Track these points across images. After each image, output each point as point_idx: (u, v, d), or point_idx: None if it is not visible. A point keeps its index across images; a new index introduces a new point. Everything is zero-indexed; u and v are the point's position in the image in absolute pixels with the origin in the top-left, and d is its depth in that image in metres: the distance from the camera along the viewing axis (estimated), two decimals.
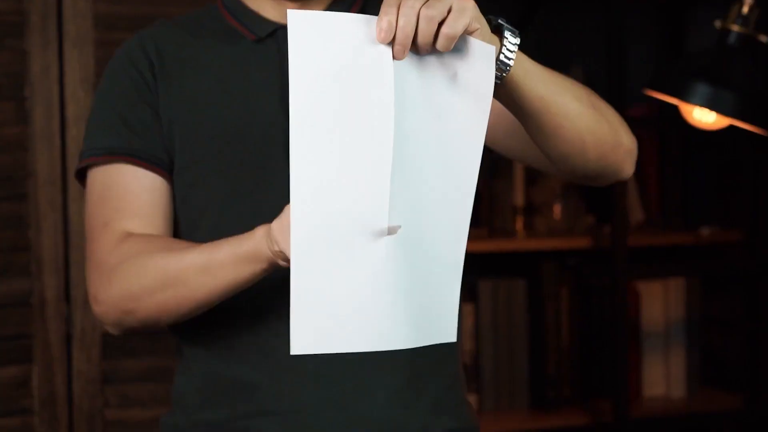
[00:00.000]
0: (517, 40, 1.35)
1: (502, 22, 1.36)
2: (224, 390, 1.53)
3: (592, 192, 3.03)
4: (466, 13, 1.26)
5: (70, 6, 2.40)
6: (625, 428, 2.86)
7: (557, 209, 3.00)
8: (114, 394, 2.43)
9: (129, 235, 1.53)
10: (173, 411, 1.61)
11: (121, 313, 1.52)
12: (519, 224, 2.98)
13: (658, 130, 3.07)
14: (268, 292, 1.51)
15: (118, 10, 2.42)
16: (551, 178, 3.01)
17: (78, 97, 2.40)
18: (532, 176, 3.02)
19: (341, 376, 1.51)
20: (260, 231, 1.40)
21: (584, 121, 1.46)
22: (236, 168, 1.53)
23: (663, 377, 3.07)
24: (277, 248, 1.37)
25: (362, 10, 1.61)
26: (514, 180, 2.98)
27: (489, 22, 1.34)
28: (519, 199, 2.98)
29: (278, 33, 1.58)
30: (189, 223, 1.57)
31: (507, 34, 1.35)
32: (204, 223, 1.55)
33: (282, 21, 1.58)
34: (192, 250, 1.46)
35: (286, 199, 1.30)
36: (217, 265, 1.43)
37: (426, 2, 1.24)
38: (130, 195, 1.55)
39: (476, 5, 1.29)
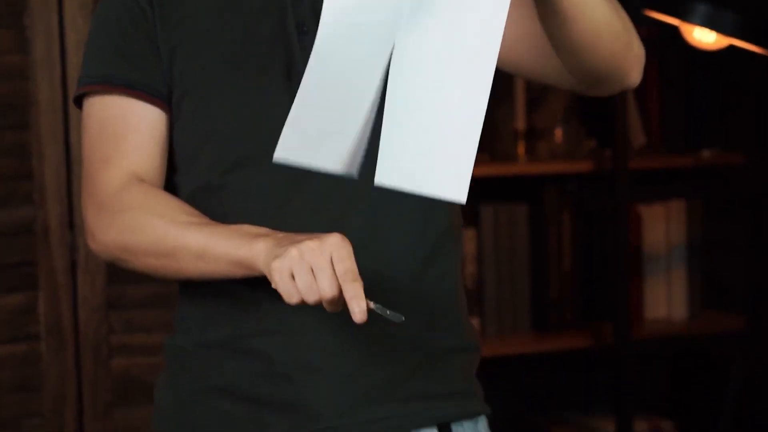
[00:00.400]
0: None
1: None
2: (226, 309, 1.55)
3: (593, 116, 3.04)
4: None
5: None
6: (627, 350, 2.90)
7: (559, 133, 3.01)
8: (119, 320, 2.46)
9: (134, 182, 1.53)
10: (175, 333, 1.62)
11: (114, 258, 1.54)
12: (520, 149, 2.99)
13: (658, 52, 3.07)
14: (274, 211, 1.52)
15: None
16: (553, 102, 3.02)
17: (77, 25, 2.42)
18: (534, 100, 3.03)
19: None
20: (260, 246, 1.40)
21: (602, 12, 1.43)
22: (236, 94, 1.53)
23: (665, 300, 3.10)
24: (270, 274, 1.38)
25: None
26: (515, 104, 2.99)
27: None
28: (520, 123, 2.99)
29: None
30: (188, 153, 1.57)
31: None
32: (205, 152, 1.55)
33: None
34: (193, 229, 1.46)
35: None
36: (212, 257, 1.44)
37: None
38: (130, 130, 1.54)
39: None
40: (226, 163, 1.53)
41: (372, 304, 1.34)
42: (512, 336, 2.95)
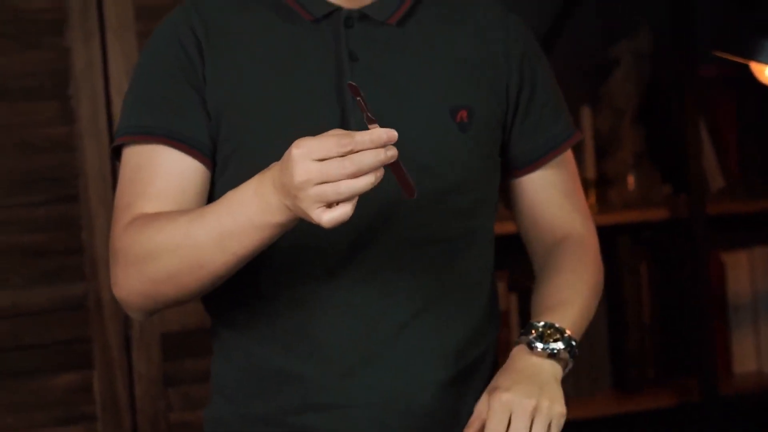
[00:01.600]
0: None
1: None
2: (269, 380, 1.54)
3: (667, 160, 2.99)
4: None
5: None
6: (716, 407, 2.83)
7: (631, 180, 2.97)
8: (177, 396, 2.45)
9: (136, 218, 1.51)
10: (216, 402, 1.60)
11: (141, 298, 1.52)
12: (592, 198, 2.95)
13: (734, 91, 3.02)
14: (308, 280, 1.52)
15: None
16: (623, 148, 2.98)
17: (123, 91, 2.39)
18: (603, 148, 2.99)
19: (388, 366, 1.53)
20: (272, 198, 1.39)
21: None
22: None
23: (754, 352, 3.03)
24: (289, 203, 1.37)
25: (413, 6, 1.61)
26: (584, 153, 2.95)
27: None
28: (590, 172, 2.95)
29: (334, 14, 1.57)
30: None
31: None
32: None
33: (338, 2, 1.57)
34: (199, 223, 1.45)
35: None
36: (233, 237, 1.42)
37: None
38: (158, 178, 1.53)
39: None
40: None
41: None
42: (591, 397, 2.90)
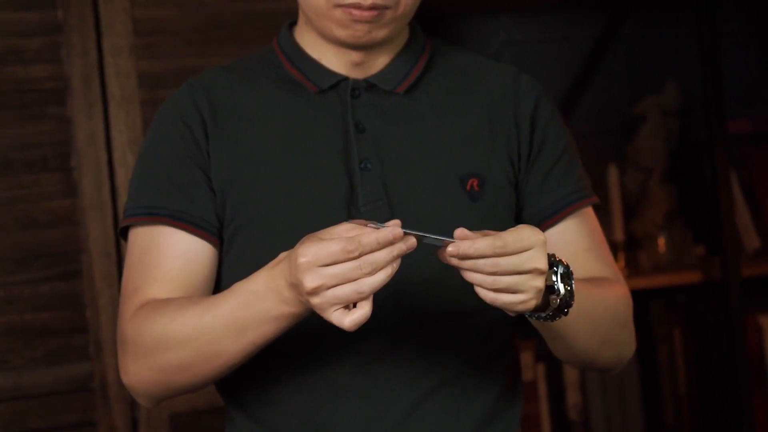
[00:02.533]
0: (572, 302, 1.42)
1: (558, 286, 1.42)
2: None
3: (699, 220, 2.98)
4: (518, 307, 1.37)
5: (112, 65, 2.41)
6: None
7: (661, 242, 2.97)
8: None
9: (145, 304, 1.52)
10: None
11: (152, 386, 1.53)
12: (621, 261, 2.95)
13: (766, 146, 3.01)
14: (315, 364, 1.52)
15: (164, 66, 2.42)
16: (653, 207, 2.97)
17: (127, 162, 2.41)
18: (631, 208, 2.98)
19: None
20: (287, 294, 1.39)
21: (585, 354, 1.57)
22: (293, 232, 1.49)
23: None
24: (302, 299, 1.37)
25: (430, 61, 1.62)
26: (610, 213, 2.94)
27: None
28: (618, 233, 2.95)
29: (341, 84, 1.58)
30: None
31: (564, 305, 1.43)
32: None
33: (344, 72, 1.58)
34: (213, 314, 1.45)
35: None
36: (249, 329, 1.43)
37: (516, 274, 1.34)
38: (165, 260, 1.54)
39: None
40: None
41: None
42: None
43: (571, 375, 2.86)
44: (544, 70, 3.01)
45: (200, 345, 1.46)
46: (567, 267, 1.41)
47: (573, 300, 1.41)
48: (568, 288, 1.41)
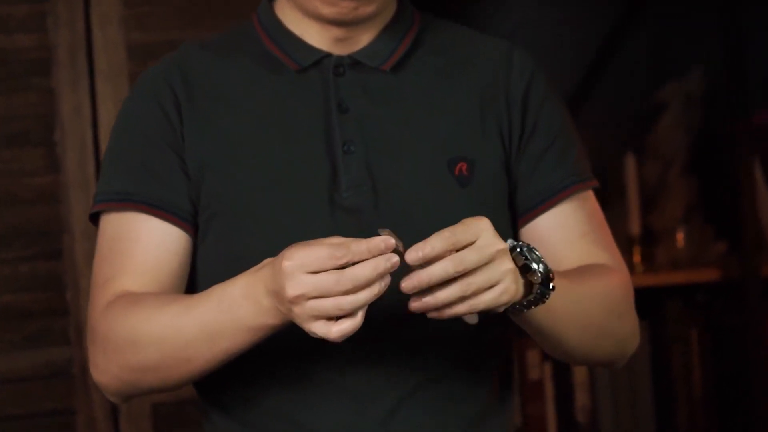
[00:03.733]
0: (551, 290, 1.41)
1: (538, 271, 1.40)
2: None
3: (720, 214, 2.97)
4: (502, 298, 1.36)
5: (100, 37, 2.42)
6: None
7: (680, 237, 2.96)
8: None
9: (117, 298, 1.51)
10: None
11: (121, 384, 1.52)
12: (636, 256, 2.93)
13: None
14: (295, 358, 1.50)
15: (154, 38, 2.43)
16: (672, 200, 2.96)
17: None
18: (649, 200, 2.97)
19: None
20: (266, 302, 1.38)
21: (579, 350, 1.54)
22: (272, 218, 1.52)
23: None
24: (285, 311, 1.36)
25: (418, 37, 1.60)
26: (627, 205, 2.93)
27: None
28: (635, 227, 2.93)
29: (323, 62, 1.56)
30: (213, 279, 1.52)
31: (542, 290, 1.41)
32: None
33: (327, 48, 1.56)
34: (186, 317, 1.45)
35: None
36: (222, 337, 1.43)
37: (477, 268, 1.34)
38: (138, 250, 1.53)
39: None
40: None
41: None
42: None
43: (579, 375, 2.86)
44: (561, 53, 2.99)
45: (171, 348, 1.45)
46: (527, 244, 1.40)
47: (552, 272, 1.40)
48: (541, 258, 1.39)
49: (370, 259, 1.31)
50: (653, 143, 2.99)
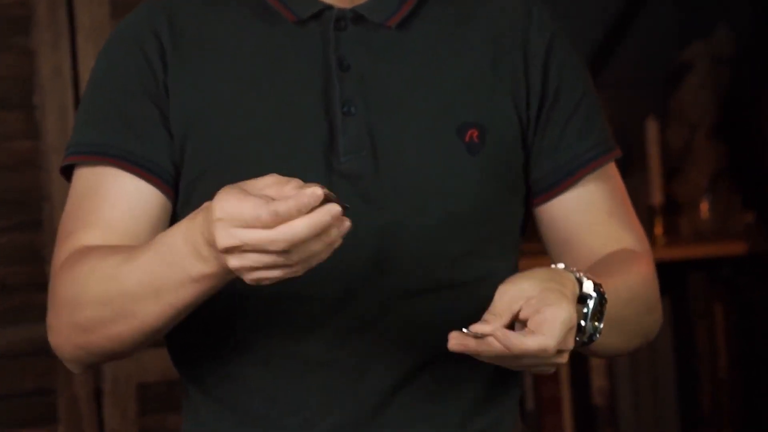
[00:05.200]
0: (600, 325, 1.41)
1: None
2: None
3: (748, 183, 2.98)
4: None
5: None
6: None
7: (705, 207, 2.98)
8: None
9: (73, 254, 1.48)
10: None
11: (74, 348, 1.49)
12: (658, 228, 2.94)
13: None
14: (286, 335, 1.48)
15: None
16: (696, 169, 2.97)
17: None
18: (673, 168, 2.99)
19: None
20: (205, 251, 1.34)
21: (611, 349, 1.53)
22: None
23: None
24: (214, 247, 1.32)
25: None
26: (649, 173, 2.93)
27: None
28: (657, 196, 2.94)
29: (324, 14, 1.53)
30: None
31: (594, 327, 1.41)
32: None
33: (329, 0, 1.53)
34: (131, 271, 1.42)
35: None
36: (168, 291, 1.39)
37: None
38: (106, 204, 1.50)
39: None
40: None
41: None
42: None
43: None
44: (582, 11, 2.98)
45: (115, 302, 1.42)
46: (600, 296, 1.39)
47: (600, 333, 1.40)
48: (597, 324, 1.39)
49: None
50: (677, 107, 3.00)
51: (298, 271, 1.30)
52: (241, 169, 1.46)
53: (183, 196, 1.51)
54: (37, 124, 2.39)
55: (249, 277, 1.31)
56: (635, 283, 1.51)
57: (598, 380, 2.87)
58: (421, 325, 1.49)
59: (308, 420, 1.49)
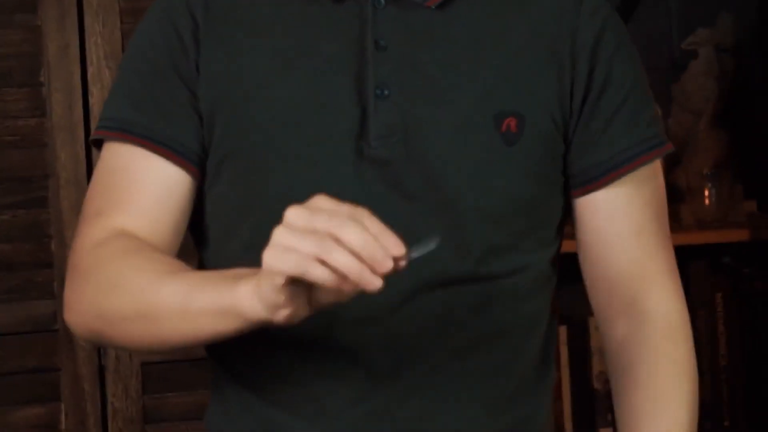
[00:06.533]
0: None
1: None
2: None
3: (751, 171, 2.97)
4: None
5: None
6: None
7: (707, 195, 2.95)
8: None
9: (115, 235, 1.48)
10: None
11: (89, 332, 1.50)
12: None
13: None
14: (311, 324, 1.43)
15: None
16: (698, 155, 2.96)
17: (103, 79, 2.43)
18: (674, 155, 2.91)
19: (401, 427, 1.49)
20: (243, 289, 1.32)
21: None
22: (291, 164, 1.48)
23: None
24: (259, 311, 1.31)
25: None
26: None
27: None
28: None
29: None
30: (223, 228, 1.54)
31: None
32: (244, 229, 1.50)
33: None
34: (172, 282, 1.40)
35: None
36: (195, 312, 1.37)
37: None
38: (136, 186, 1.51)
39: None
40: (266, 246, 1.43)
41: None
42: None
43: (596, 340, 2.85)
44: None
45: (143, 304, 1.41)
46: None
47: None
48: None
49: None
50: (680, 94, 3.00)
51: (319, 275, 1.22)
52: (270, 150, 1.47)
53: (210, 178, 1.52)
54: (43, 101, 2.42)
55: (275, 304, 1.26)
56: (690, 396, 1.54)
57: (598, 365, 2.85)
58: (450, 317, 1.47)
59: (334, 407, 1.49)
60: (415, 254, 1.25)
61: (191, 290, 1.37)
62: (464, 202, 1.46)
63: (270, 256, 1.24)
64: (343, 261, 1.20)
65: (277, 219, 1.38)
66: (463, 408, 1.50)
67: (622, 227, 1.52)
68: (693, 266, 2.90)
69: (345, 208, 1.23)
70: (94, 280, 1.46)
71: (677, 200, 2.96)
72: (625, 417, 1.52)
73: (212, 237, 1.55)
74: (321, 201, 1.25)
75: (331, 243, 1.21)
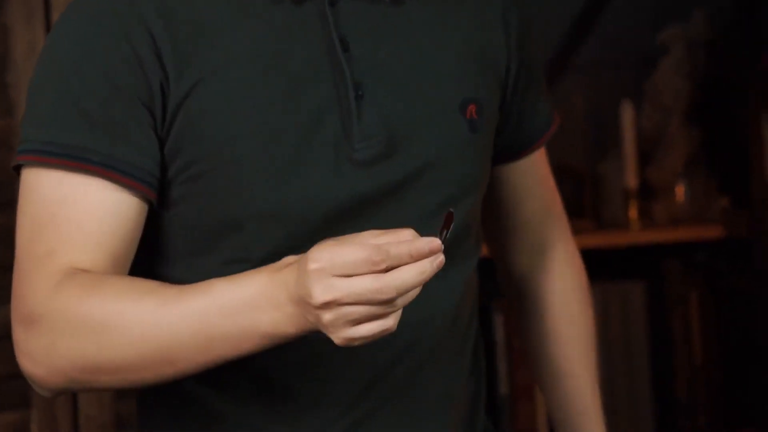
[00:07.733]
0: None
1: None
2: None
3: (724, 167, 3.00)
4: None
5: None
6: None
7: (680, 191, 2.99)
8: None
9: (69, 276, 1.42)
10: None
11: (67, 383, 1.45)
12: (633, 212, 2.96)
13: None
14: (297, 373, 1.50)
15: None
16: (672, 153, 2.99)
17: None
18: (647, 152, 3.00)
19: (400, 419, 1.54)
20: (290, 309, 1.33)
21: None
22: (270, 176, 1.47)
23: None
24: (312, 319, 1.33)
25: None
26: (624, 157, 2.95)
27: None
28: (632, 180, 2.95)
29: None
30: (196, 244, 1.51)
31: None
32: (225, 244, 1.49)
33: None
34: (182, 314, 1.38)
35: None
36: (222, 338, 1.37)
37: None
38: (90, 220, 1.44)
39: None
40: (252, 260, 1.45)
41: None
42: None
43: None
44: None
45: (154, 348, 1.38)
46: None
47: None
48: None
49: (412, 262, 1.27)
50: (652, 90, 3.02)
51: (393, 327, 1.28)
52: (242, 167, 1.45)
53: (176, 196, 1.48)
54: (11, 102, 2.39)
55: (342, 335, 1.29)
56: (594, 356, 1.87)
57: None
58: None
59: (328, 417, 1.51)
60: (446, 233, 1.31)
61: (211, 319, 1.36)
62: (439, 194, 1.52)
63: (345, 339, 1.30)
64: (411, 297, 1.29)
65: (265, 232, 1.45)
66: (449, 398, 1.58)
67: (545, 185, 1.72)
68: (667, 264, 2.94)
69: (370, 252, 1.26)
70: (69, 328, 1.40)
71: (650, 197, 2.99)
72: (540, 338, 1.79)
73: (180, 253, 1.52)
74: (345, 258, 1.27)
75: (395, 297, 1.27)
